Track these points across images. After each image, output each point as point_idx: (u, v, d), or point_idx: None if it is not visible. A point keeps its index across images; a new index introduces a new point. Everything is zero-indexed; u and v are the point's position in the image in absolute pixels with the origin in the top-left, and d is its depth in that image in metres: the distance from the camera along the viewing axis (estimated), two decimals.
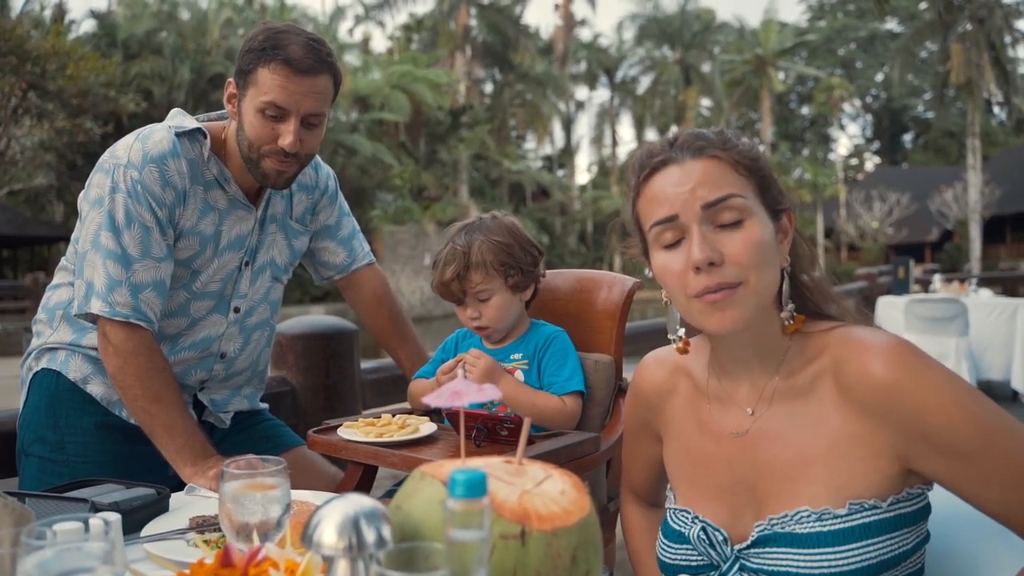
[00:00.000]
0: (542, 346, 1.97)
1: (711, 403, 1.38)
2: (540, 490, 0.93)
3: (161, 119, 2.01)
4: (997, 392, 7.91)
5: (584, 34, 51.35)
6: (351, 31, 50.21)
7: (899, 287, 9.01)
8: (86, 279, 1.84)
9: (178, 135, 1.91)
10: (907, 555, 1.23)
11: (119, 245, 1.83)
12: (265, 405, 2.32)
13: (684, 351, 1.39)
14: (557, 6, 46.11)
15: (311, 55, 1.83)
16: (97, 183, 1.87)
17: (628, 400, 1.55)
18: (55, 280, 2.05)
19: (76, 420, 1.96)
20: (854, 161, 55.43)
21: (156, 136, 1.88)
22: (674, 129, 1.31)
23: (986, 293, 8.64)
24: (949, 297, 7.77)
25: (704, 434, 1.38)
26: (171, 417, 1.83)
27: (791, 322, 1.28)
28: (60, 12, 28.50)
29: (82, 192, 1.93)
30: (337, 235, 2.29)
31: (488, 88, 46.10)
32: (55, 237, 27.56)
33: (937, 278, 9.27)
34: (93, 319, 1.87)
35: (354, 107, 35.91)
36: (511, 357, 1.99)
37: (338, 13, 40.41)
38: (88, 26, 35.23)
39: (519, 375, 1.97)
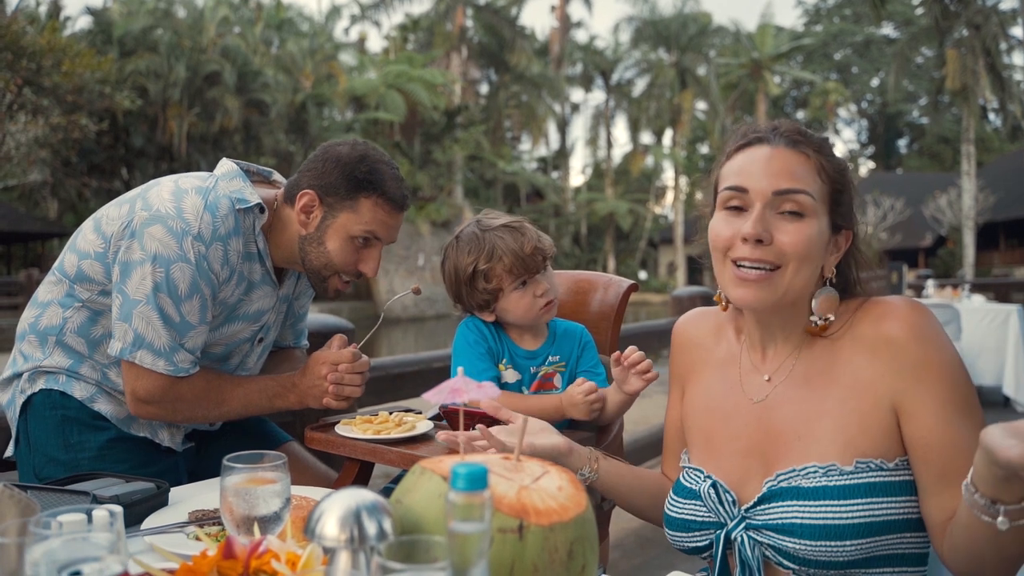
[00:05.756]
0: (576, 348, 2.04)
1: (740, 370, 1.46)
2: (538, 486, 0.95)
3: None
4: (988, 398, 7.95)
5: (580, 36, 51.46)
6: (347, 30, 50.31)
7: (892, 292, 9.04)
8: (135, 328, 1.83)
9: (238, 210, 1.91)
10: (912, 526, 1.27)
11: (178, 312, 1.85)
12: None
13: (725, 308, 1.49)
14: (553, 8, 46.17)
15: (405, 193, 1.97)
16: (160, 238, 1.82)
17: (670, 355, 1.63)
18: (43, 295, 1.99)
19: (88, 437, 1.94)
20: (849, 166, 55.47)
21: (223, 209, 1.88)
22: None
23: (978, 299, 8.68)
24: (942, 302, 7.82)
25: (727, 398, 1.45)
26: (241, 399, 1.97)
27: (817, 325, 1.37)
28: (55, 8, 28.37)
29: (122, 221, 1.87)
30: (297, 325, 2.34)
31: (484, 89, 46.15)
32: (49, 233, 27.50)
33: (930, 283, 9.30)
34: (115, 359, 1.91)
35: (349, 107, 35.91)
36: (549, 360, 2.02)
37: (334, 12, 40.42)
38: (84, 23, 35.29)
39: (558, 380, 2.01)
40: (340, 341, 2.01)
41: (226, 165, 2.00)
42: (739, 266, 1.33)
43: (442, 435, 1.58)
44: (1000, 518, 1.05)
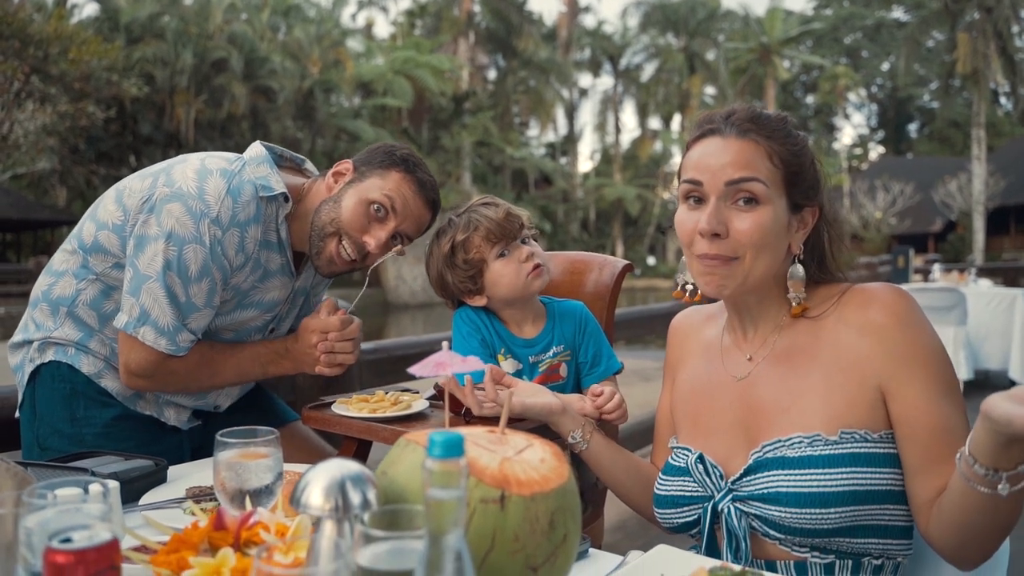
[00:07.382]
0: (578, 331, 1.99)
1: (723, 350, 1.50)
2: (520, 457, 0.97)
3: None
4: (994, 382, 7.93)
5: (588, 21, 51.22)
6: (354, 16, 50.15)
7: (899, 276, 9.03)
8: (142, 303, 1.84)
9: (261, 198, 1.90)
10: (896, 498, 1.30)
11: (186, 293, 1.85)
12: None
13: (679, 296, 1.52)
14: None
15: (434, 191, 2.01)
16: (178, 216, 1.82)
17: (666, 352, 1.68)
18: (57, 264, 1.99)
19: (94, 413, 1.95)
20: (858, 150, 55.15)
21: (245, 195, 1.86)
22: (744, 103, 1.46)
23: (985, 283, 8.65)
24: (947, 286, 7.79)
25: (712, 378, 1.50)
26: (234, 368, 1.99)
27: (796, 305, 1.40)
28: None
29: (143, 195, 1.87)
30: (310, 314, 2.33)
31: (491, 75, 46.04)
32: (58, 221, 27.58)
33: (936, 268, 9.28)
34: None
35: (357, 93, 35.87)
36: (554, 351, 1.96)
37: None
38: (90, 10, 35.27)
39: (563, 369, 1.96)
40: (328, 307, 1.99)
41: (256, 148, 1.98)
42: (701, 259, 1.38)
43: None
44: (1002, 484, 1.10)
